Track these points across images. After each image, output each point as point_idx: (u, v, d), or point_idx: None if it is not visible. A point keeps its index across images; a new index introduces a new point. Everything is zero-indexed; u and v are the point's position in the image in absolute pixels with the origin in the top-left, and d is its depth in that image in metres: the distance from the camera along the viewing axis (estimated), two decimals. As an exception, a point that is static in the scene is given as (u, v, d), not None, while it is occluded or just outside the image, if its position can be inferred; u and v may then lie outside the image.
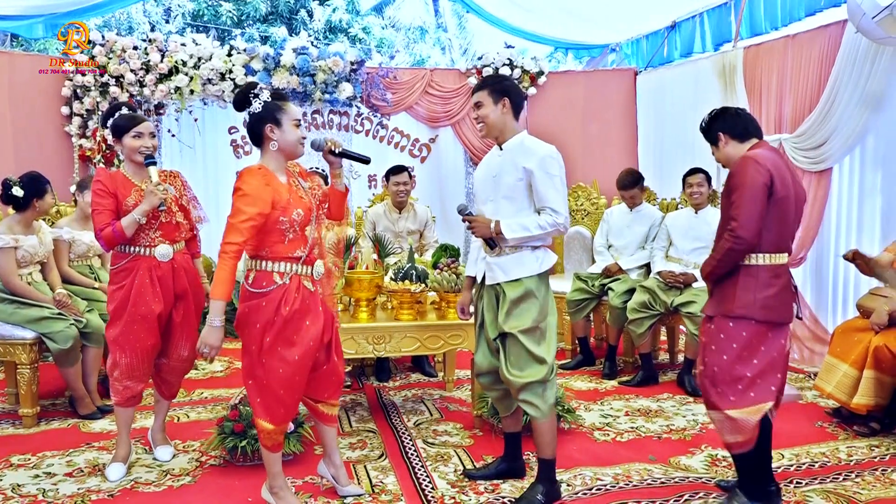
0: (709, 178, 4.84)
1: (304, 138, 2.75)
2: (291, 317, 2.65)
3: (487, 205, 3.02)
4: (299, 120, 2.74)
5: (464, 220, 3.01)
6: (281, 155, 2.71)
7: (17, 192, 3.92)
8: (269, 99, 2.68)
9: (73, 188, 4.55)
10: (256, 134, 2.69)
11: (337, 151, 2.82)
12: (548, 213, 2.87)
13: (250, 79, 5.97)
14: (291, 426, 3.32)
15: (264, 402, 2.72)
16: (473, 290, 3.20)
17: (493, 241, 2.93)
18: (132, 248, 3.15)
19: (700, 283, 4.61)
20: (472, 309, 3.24)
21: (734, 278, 2.80)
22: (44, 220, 4.24)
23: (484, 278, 3.04)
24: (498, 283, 2.95)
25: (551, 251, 3.01)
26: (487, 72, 6.67)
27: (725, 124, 2.96)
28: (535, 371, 2.88)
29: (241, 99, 2.69)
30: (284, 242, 2.65)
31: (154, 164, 3.17)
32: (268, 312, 2.63)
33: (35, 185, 3.93)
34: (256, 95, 2.66)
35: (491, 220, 2.93)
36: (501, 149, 3.01)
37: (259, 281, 2.64)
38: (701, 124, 3.05)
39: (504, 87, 2.96)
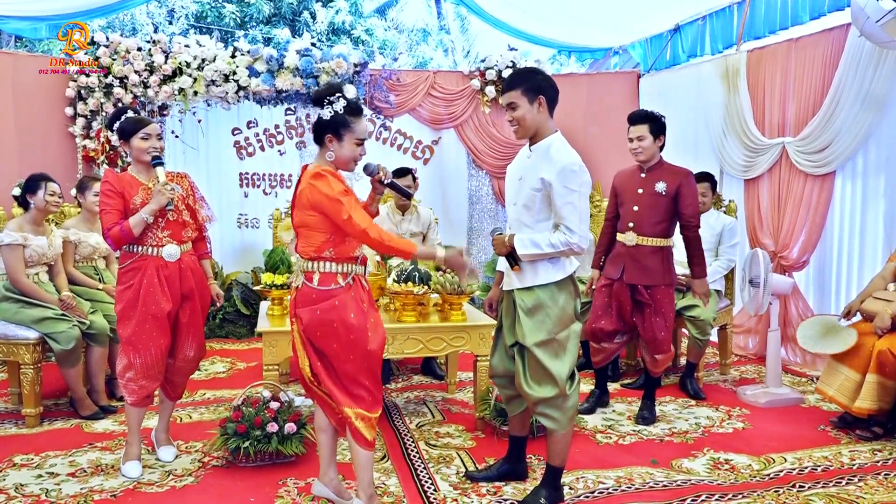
0: (713, 185, 4.80)
1: (362, 156, 2.73)
2: (368, 311, 2.69)
3: (511, 208, 2.96)
4: (363, 140, 2.70)
5: (492, 244, 2.95)
6: (332, 165, 2.69)
7: (16, 191, 4.05)
8: (341, 111, 2.62)
9: (73, 190, 4.56)
10: (318, 137, 2.68)
11: (386, 182, 2.83)
12: (562, 230, 2.74)
13: (254, 80, 5.98)
14: (294, 427, 3.32)
15: (366, 391, 2.70)
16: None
17: (514, 258, 2.82)
18: (140, 248, 3.16)
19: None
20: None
21: (667, 256, 3.84)
22: (47, 221, 4.25)
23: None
24: (512, 290, 2.90)
25: (573, 259, 2.87)
26: (490, 74, 6.68)
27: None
28: (549, 388, 2.82)
29: (318, 99, 2.65)
30: (346, 242, 2.66)
31: (161, 164, 3.20)
32: (356, 309, 2.64)
33: (28, 182, 4.01)
34: (330, 102, 2.62)
35: (506, 235, 2.86)
36: (531, 150, 2.89)
37: (326, 281, 2.63)
38: (653, 113, 3.84)
39: (538, 84, 2.79)
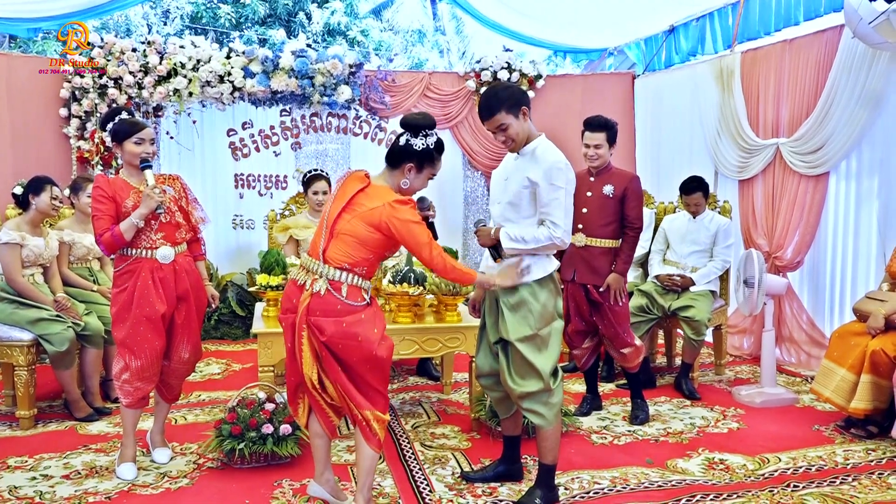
0: (706, 192, 4.79)
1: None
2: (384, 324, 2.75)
3: (495, 206, 3.03)
4: (434, 175, 2.78)
5: (475, 233, 3.03)
6: (400, 191, 2.72)
7: (18, 190, 4.04)
8: (432, 147, 2.68)
9: (66, 191, 4.55)
10: (397, 160, 2.70)
11: (430, 221, 2.93)
12: (547, 225, 2.83)
13: (249, 81, 5.97)
14: (289, 428, 3.32)
15: (380, 395, 2.73)
16: None
17: (497, 251, 2.90)
18: (134, 251, 3.15)
19: (698, 287, 4.62)
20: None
21: (612, 255, 3.89)
22: (43, 223, 4.24)
23: None
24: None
25: (553, 258, 2.97)
26: (485, 75, 6.68)
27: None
28: (534, 382, 2.87)
29: (413, 125, 2.68)
30: (377, 264, 2.72)
31: (150, 167, 3.19)
32: (376, 323, 2.68)
33: (32, 183, 4.02)
34: (426, 135, 2.67)
35: (492, 228, 2.94)
36: (518, 153, 2.97)
37: (354, 295, 2.63)
38: (610, 122, 3.90)
39: (516, 97, 2.87)
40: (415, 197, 2.80)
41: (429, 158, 2.69)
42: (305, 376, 2.70)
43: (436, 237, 2.98)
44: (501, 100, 2.85)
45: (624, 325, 3.93)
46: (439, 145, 2.72)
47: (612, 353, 4.06)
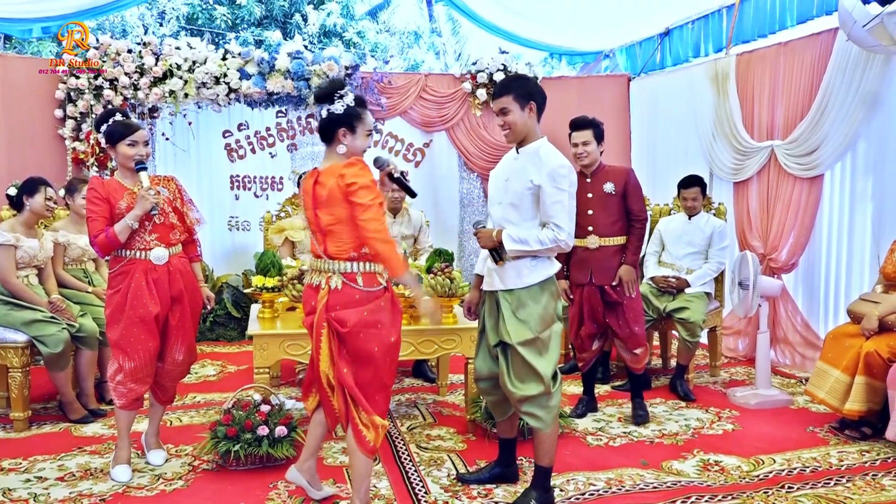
0: (703, 189, 4.82)
1: (369, 148, 2.80)
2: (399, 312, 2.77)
3: (495, 207, 3.02)
4: (371, 131, 2.76)
5: (475, 234, 3.02)
6: (344, 159, 2.70)
7: (12, 191, 4.05)
8: (352, 104, 2.68)
9: (61, 192, 4.54)
10: (328, 133, 2.70)
11: (395, 175, 2.86)
12: (551, 228, 2.83)
13: (245, 83, 5.97)
14: (285, 430, 3.32)
15: (384, 398, 2.73)
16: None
17: (498, 254, 2.88)
18: (128, 252, 3.16)
19: (693, 289, 4.63)
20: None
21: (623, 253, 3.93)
22: (37, 224, 4.23)
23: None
24: (495, 291, 2.94)
25: (555, 260, 2.96)
26: (481, 77, 6.69)
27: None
28: (534, 385, 2.86)
29: (324, 95, 2.69)
30: None
31: (145, 169, 3.20)
32: (393, 310, 2.69)
33: (27, 185, 4.01)
34: (341, 97, 2.66)
35: (493, 229, 2.92)
36: (518, 152, 2.97)
37: (370, 282, 2.65)
38: (593, 120, 4.00)
39: (530, 91, 2.89)
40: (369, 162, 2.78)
41: (356, 116, 2.68)
42: (322, 373, 2.71)
43: (413, 194, 2.95)
44: (514, 86, 2.89)
45: (640, 323, 3.96)
46: (359, 100, 2.72)
47: (624, 355, 4.06)
